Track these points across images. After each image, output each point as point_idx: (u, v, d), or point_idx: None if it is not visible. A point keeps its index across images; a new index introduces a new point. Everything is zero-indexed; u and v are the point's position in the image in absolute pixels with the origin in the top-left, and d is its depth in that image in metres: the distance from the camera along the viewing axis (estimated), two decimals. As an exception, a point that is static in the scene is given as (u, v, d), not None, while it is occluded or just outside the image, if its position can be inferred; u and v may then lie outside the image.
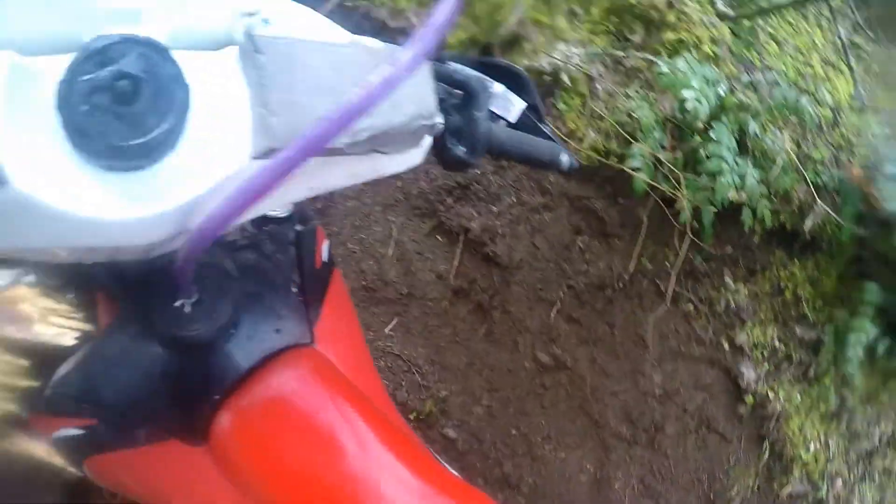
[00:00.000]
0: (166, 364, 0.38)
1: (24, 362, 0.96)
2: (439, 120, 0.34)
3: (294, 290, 0.43)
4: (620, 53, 1.40)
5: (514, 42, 1.39)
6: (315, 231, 0.46)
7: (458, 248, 1.34)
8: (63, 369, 0.43)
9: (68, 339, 0.97)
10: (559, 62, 1.36)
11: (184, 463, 0.39)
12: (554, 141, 0.49)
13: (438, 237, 1.42)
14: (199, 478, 0.39)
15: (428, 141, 0.38)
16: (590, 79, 1.36)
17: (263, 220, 0.43)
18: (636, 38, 1.45)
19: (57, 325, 0.98)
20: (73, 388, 0.40)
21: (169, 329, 0.37)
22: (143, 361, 0.39)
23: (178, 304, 0.37)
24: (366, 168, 0.34)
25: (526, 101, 0.48)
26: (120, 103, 0.23)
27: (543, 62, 1.37)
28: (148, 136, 0.24)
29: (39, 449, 1.01)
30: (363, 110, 0.23)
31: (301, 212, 0.45)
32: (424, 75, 0.34)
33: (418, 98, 0.33)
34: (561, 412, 1.43)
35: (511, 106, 0.47)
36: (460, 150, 0.40)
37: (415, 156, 0.37)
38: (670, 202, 1.33)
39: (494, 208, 1.38)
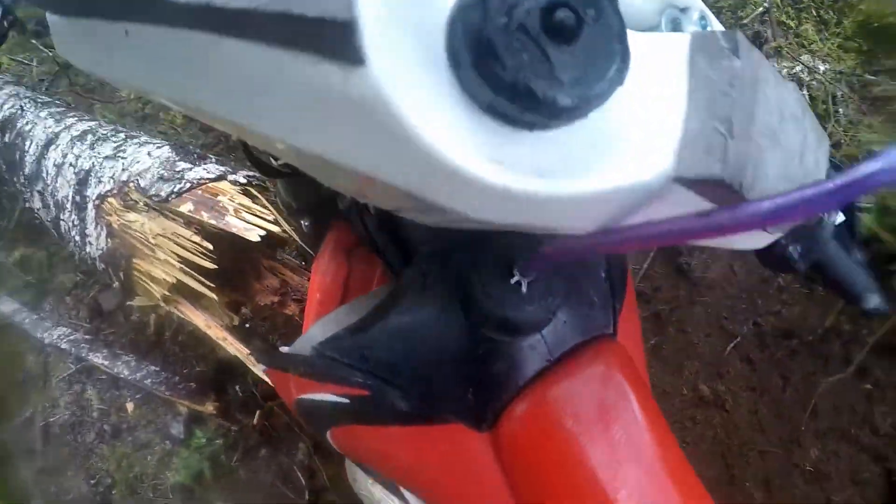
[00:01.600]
0: (474, 343, 0.34)
1: (209, 245, 1.01)
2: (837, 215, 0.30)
3: (602, 274, 0.39)
4: (871, 78, 1.22)
5: (754, 40, 1.23)
6: None
7: (653, 250, 1.22)
8: (328, 329, 0.39)
9: (253, 234, 0.98)
10: (801, 74, 1.19)
11: (455, 446, 0.36)
12: (866, 271, 0.42)
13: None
14: (469, 464, 0.35)
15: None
16: (832, 99, 1.19)
17: None
18: (892, 63, 1.25)
19: (247, 221, 1.00)
20: (350, 354, 0.36)
21: (497, 308, 0.32)
22: (449, 338, 0.34)
23: (513, 281, 0.32)
24: (721, 240, 0.27)
25: (845, 215, 0.42)
26: (553, 38, 0.17)
27: (783, 68, 1.20)
28: (577, 93, 0.17)
29: (199, 319, 1.02)
30: (857, 195, 0.17)
31: None
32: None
33: None
34: (700, 453, 1.30)
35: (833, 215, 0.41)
36: (794, 251, 0.36)
37: (765, 240, 0.31)
38: (892, 258, 1.15)
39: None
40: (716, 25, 0.27)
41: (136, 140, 1.27)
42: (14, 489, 1.51)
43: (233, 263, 1.12)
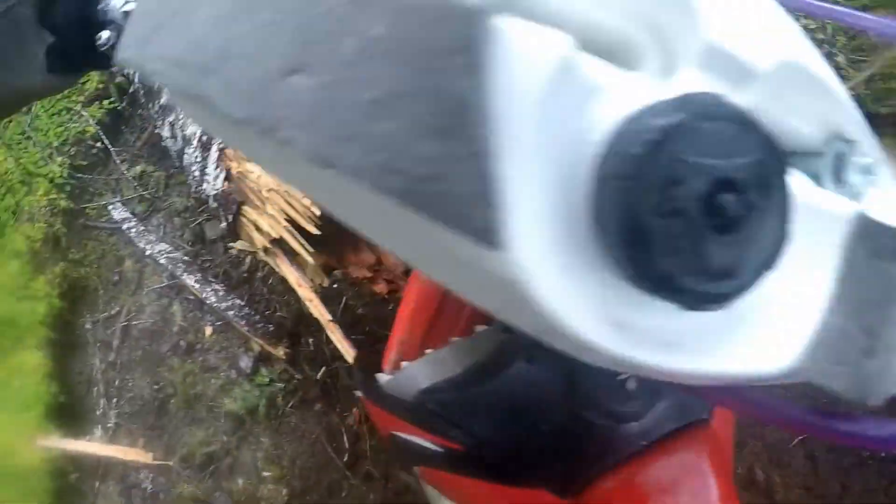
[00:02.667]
0: (573, 421, 0.35)
1: (317, 211, 1.04)
2: None
3: None
4: None
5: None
6: None
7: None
8: (429, 371, 0.41)
9: None
10: None
11: None
12: None
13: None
14: None
15: None
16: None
17: None
18: None
19: None
20: (451, 409, 0.37)
21: (603, 399, 0.34)
22: (549, 413, 0.35)
23: (622, 377, 0.33)
24: None
25: None
26: (713, 225, 0.14)
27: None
28: (727, 287, 0.15)
29: (292, 276, 1.09)
30: None
31: None
32: None
33: None
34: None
35: None
36: None
37: None
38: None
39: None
40: (883, 179, 0.23)
41: None
42: (80, 374, 1.65)
43: (333, 231, 1.17)
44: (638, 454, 0.35)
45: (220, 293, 1.48)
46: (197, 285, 1.50)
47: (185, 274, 1.53)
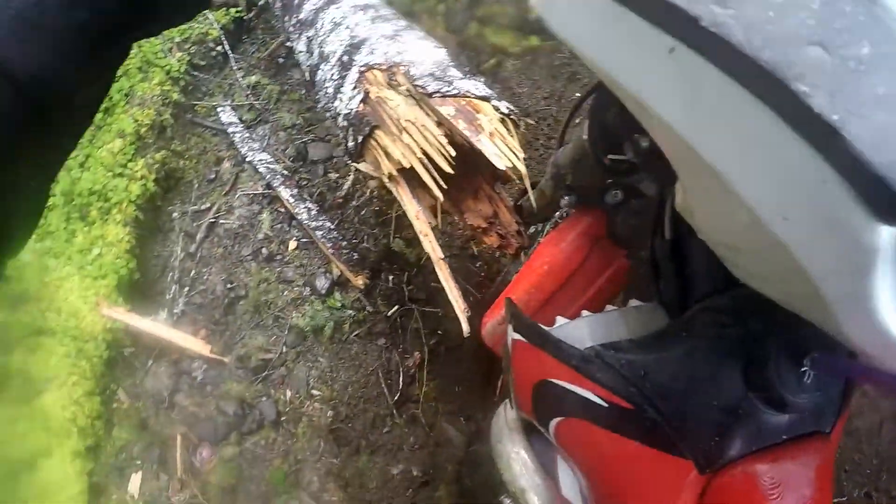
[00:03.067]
0: (738, 402, 0.37)
1: (453, 151, 1.04)
2: None
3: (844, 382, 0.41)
4: None
5: None
6: None
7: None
8: (599, 332, 0.43)
9: (501, 162, 1.00)
10: None
11: (672, 473, 0.39)
12: None
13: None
14: (673, 493, 0.39)
15: None
16: None
17: None
18: None
19: (496, 146, 1.03)
20: (630, 369, 0.39)
21: (778, 386, 0.35)
22: (720, 390, 0.37)
23: (803, 370, 0.35)
24: None
25: None
26: None
27: None
28: None
29: (411, 208, 1.09)
30: None
31: None
32: None
33: None
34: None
35: None
36: None
37: None
38: None
39: None
40: None
41: (416, 32, 1.33)
42: (158, 257, 1.71)
43: (456, 175, 1.17)
44: (772, 447, 0.37)
45: (312, 212, 1.52)
46: (291, 200, 1.54)
47: (282, 186, 1.57)
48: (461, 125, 1.04)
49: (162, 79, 1.88)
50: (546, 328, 0.48)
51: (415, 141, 1.05)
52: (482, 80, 1.23)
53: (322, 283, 1.46)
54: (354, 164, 1.17)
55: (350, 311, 1.43)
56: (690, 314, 0.40)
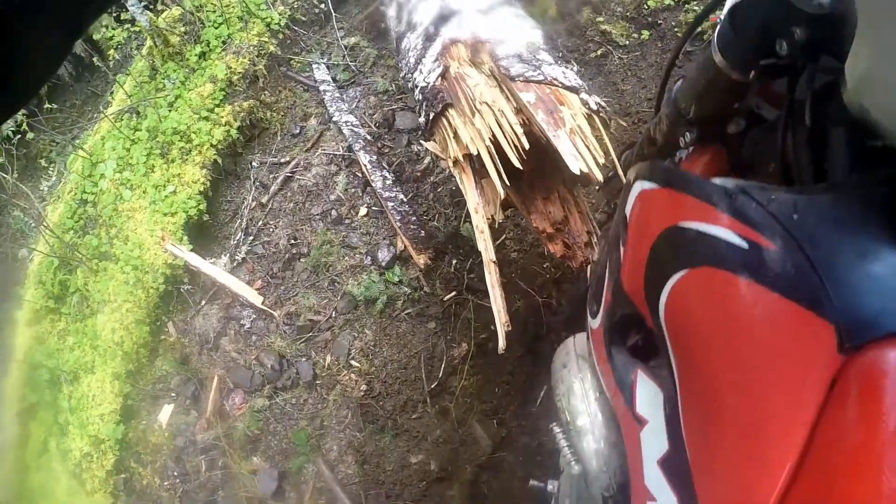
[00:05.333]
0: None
1: (526, 145, 0.93)
2: None
3: None
4: None
5: None
6: None
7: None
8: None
9: (575, 164, 0.88)
10: None
11: (802, 346, 0.35)
12: None
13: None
14: (797, 366, 0.35)
15: None
16: None
17: None
18: None
19: (571, 144, 0.91)
20: (781, 208, 0.36)
21: None
22: (870, 252, 0.34)
23: None
24: None
25: None
26: None
27: None
28: None
29: (472, 199, 1.01)
30: None
31: None
32: None
33: None
34: None
35: None
36: None
37: None
38: None
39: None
40: None
41: (513, 10, 1.24)
42: (229, 202, 1.73)
43: (531, 172, 1.06)
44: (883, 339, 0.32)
45: (388, 182, 1.48)
46: (369, 166, 1.51)
47: (362, 151, 1.54)
48: (539, 116, 0.94)
49: (261, 30, 1.89)
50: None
51: (487, 126, 0.95)
52: (574, 68, 1.12)
53: (384, 255, 1.42)
54: (424, 142, 1.10)
55: (406, 289, 1.38)
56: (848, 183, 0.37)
